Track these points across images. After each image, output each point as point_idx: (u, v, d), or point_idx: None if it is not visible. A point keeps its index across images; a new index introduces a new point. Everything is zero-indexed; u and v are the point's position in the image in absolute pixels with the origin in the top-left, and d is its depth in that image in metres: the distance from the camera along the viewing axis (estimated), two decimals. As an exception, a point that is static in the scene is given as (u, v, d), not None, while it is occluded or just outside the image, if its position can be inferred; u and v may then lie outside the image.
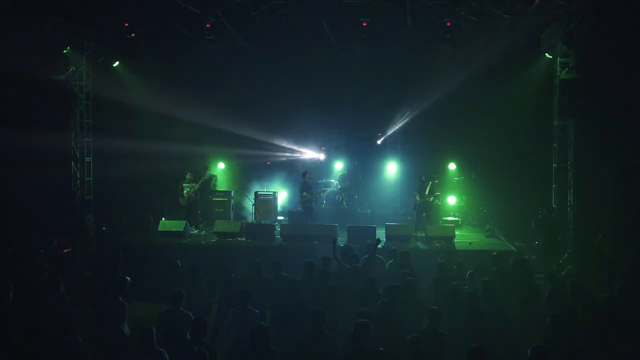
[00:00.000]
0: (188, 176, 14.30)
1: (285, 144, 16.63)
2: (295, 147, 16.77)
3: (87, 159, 14.23)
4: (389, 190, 16.16)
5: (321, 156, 16.88)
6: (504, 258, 9.86)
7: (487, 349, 5.42)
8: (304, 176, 14.12)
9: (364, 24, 12.44)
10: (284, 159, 16.62)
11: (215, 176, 16.04)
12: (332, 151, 16.87)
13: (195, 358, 5.37)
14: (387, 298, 6.95)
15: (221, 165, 16.53)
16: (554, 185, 13.37)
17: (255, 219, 14.68)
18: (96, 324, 6.82)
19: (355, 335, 5.66)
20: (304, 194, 13.95)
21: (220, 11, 12.41)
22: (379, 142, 16.79)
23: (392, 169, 16.21)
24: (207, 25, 12.43)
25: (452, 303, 7.19)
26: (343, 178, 16.04)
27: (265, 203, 14.85)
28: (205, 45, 13.19)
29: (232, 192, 15.53)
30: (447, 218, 14.91)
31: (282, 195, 15.75)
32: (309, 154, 16.90)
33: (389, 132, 16.52)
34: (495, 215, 14.52)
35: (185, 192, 14.30)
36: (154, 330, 5.68)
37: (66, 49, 13.02)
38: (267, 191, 15.09)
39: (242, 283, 7.91)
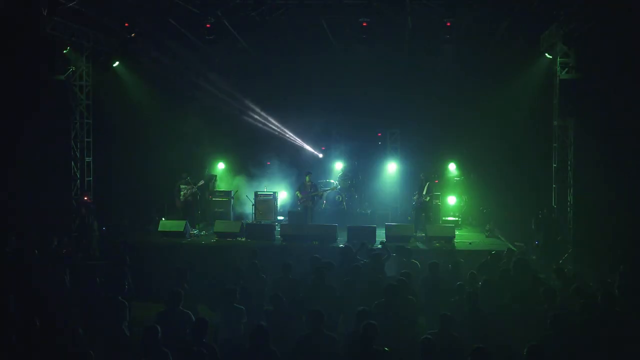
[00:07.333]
0: (185, 178, 14.32)
1: (285, 144, 16.61)
2: (295, 147, 16.75)
3: (87, 159, 14.21)
4: (389, 190, 16.14)
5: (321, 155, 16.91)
6: (503, 257, 9.87)
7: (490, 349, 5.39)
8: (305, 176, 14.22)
9: (364, 24, 12.44)
10: (284, 158, 16.58)
11: (215, 176, 16.02)
12: (332, 151, 16.86)
13: (194, 358, 5.36)
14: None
15: (221, 165, 16.51)
16: (554, 185, 13.36)
17: (255, 219, 14.67)
18: (96, 324, 6.82)
19: (363, 336, 5.63)
20: (297, 192, 14.22)
21: (220, 11, 12.39)
22: (379, 142, 16.77)
23: (392, 169, 16.19)
24: (207, 25, 12.41)
25: (452, 302, 7.18)
26: (343, 178, 16.02)
27: (265, 203, 14.84)
28: (205, 45, 13.16)
29: (232, 192, 15.52)
30: (447, 218, 14.90)
31: (282, 195, 15.73)
32: (309, 153, 16.89)
33: (389, 132, 16.50)
34: (495, 215, 14.51)
35: (182, 193, 14.30)
36: (159, 328, 5.66)
37: (66, 49, 13.00)
38: (267, 191, 15.06)
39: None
